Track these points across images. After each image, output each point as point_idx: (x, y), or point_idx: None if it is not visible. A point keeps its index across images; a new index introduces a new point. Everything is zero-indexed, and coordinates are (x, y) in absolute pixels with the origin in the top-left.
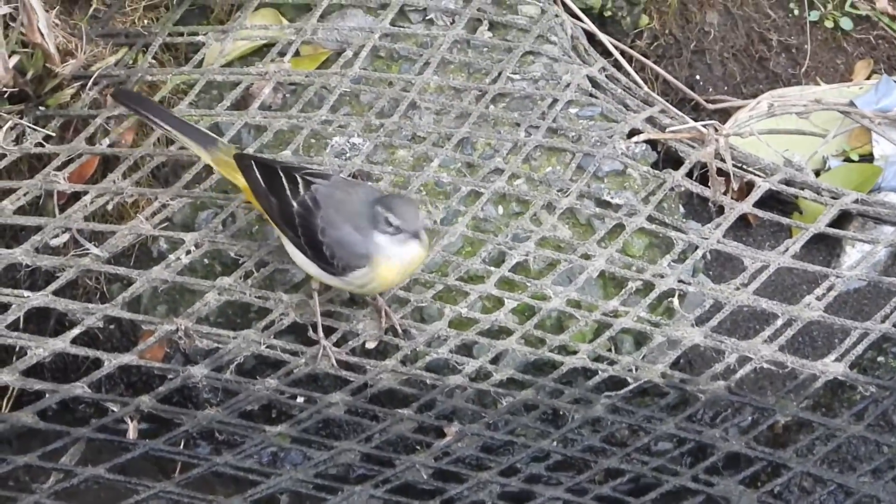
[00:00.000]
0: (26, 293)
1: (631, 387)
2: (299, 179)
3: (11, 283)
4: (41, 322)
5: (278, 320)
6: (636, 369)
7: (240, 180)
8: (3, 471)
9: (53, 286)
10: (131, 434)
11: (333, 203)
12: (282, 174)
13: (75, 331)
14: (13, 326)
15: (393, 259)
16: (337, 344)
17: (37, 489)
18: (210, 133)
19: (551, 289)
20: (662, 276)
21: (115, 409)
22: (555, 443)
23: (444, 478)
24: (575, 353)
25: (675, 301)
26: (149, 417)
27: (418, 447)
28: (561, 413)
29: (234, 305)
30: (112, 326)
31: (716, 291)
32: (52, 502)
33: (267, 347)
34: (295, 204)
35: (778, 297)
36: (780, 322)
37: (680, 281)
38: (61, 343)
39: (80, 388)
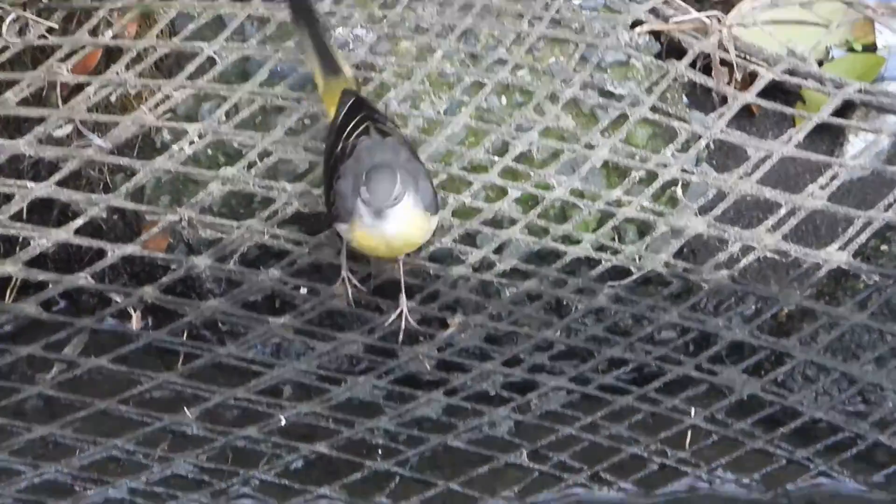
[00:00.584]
0: (30, 184)
1: (634, 276)
2: (367, 128)
3: (15, 173)
4: (44, 213)
5: (282, 210)
6: (639, 259)
7: (331, 112)
8: (6, 362)
9: (57, 177)
10: (135, 325)
11: (360, 157)
12: (358, 118)
13: (78, 221)
14: (16, 217)
15: (368, 228)
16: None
17: (40, 380)
18: (340, 65)
19: (555, 178)
20: (666, 166)
21: (118, 300)
22: (558, 333)
23: (448, 368)
24: (578, 242)
25: (679, 190)
26: (152, 309)
27: (422, 338)
28: (564, 303)
29: (238, 195)
30: (115, 217)
31: (719, 181)
32: (55, 393)
33: (270, 237)
34: (339, 145)
35: (781, 186)
36: (783, 211)
37: (683, 170)
38: (64, 233)
39: (83, 279)
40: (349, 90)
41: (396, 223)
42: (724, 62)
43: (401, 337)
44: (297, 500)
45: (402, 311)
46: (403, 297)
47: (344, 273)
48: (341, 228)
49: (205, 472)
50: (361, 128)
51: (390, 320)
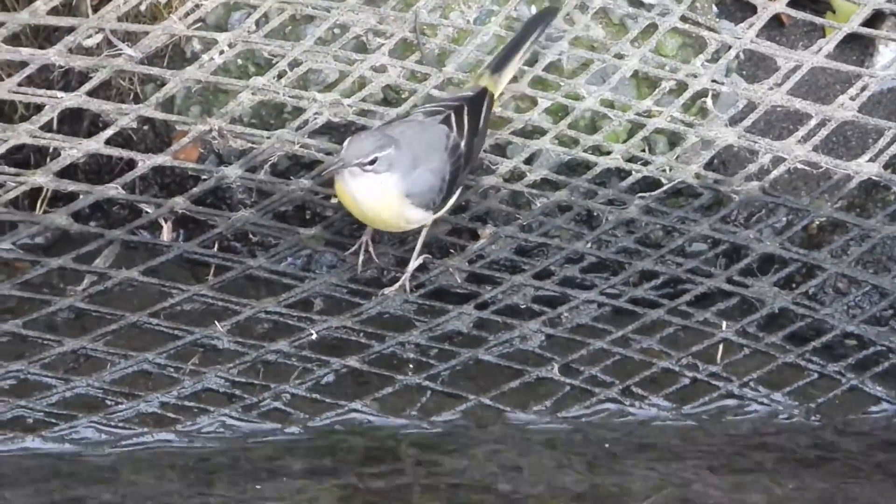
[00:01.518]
0: (59, 94)
1: (665, 187)
2: (446, 115)
3: (45, 83)
4: (74, 123)
5: (312, 119)
6: (670, 170)
7: None
8: (38, 273)
9: (87, 87)
10: (165, 236)
11: (397, 124)
12: (450, 104)
13: (109, 131)
14: (47, 127)
15: (339, 183)
16: None
17: (71, 292)
18: (505, 70)
19: (585, 88)
20: (696, 76)
21: (148, 211)
22: (589, 244)
23: (479, 281)
24: (609, 153)
25: (709, 101)
26: (183, 221)
27: (452, 250)
28: (595, 214)
29: (268, 105)
30: (146, 127)
31: (749, 91)
32: (86, 305)
33: (301, 147)
34: (413, 113)
35: (811, 97)
36: (813, 122)
37: (713, 81)
38: (95, 144)
39: (113, 189)
40: (484, 89)
41: (360, 188)
42: None
43: (395, 286)
44: (328, 413)
45: (407, 273)
46: (413, 263)
47: (364, 237)
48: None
49: (236, 385)
50: (444, 112)
51: (392, 289)
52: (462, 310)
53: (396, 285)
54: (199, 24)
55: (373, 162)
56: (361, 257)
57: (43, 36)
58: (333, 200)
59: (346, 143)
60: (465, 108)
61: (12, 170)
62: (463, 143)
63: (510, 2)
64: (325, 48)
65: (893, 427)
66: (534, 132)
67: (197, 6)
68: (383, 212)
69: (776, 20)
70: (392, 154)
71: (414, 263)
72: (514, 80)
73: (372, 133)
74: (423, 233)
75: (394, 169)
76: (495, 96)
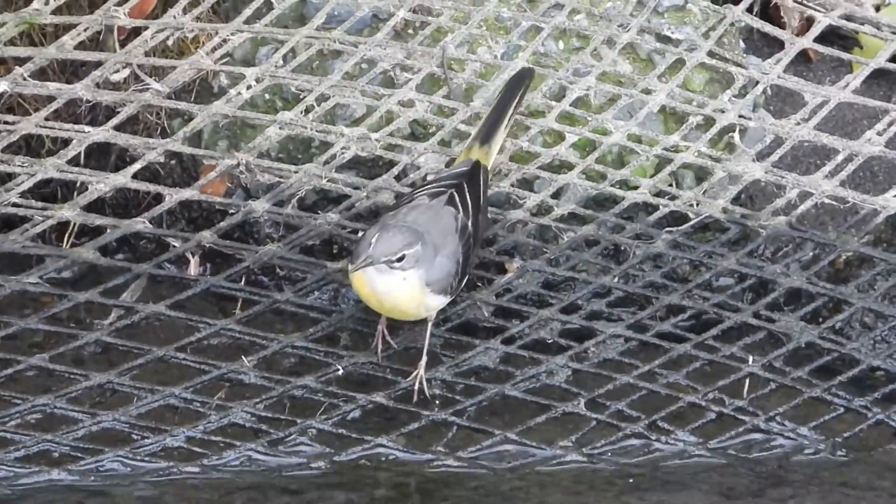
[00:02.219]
0: (87, 128)
1: (692, 222)
2: (440, 192)
3: (72, 118)
4: (102, 158)
5: (339, 154)
6: (697, 204)
7: None
8: (65, 307)
9: (114, 121)
10: (192, 270)
11: (403, 211)
12: (447, 183)
13: (136, 166)
14: (74, 162)
15: (361, 276)
16: (397, 178)
17: (97, 326)
18: (495, 137)
19: (612, 123)
20: (723, 112)
21: (176, 245)
22: (616, 279)
23: (506, 315)
24: (636, 188)
25: (736, 136)
26: (210, 255)
27: (479, 284)
28: (622, 249)
29: (295, 140)
30: (173, 162)
31: (776, 126)
32: (113, 339)
33: (328, 181)
34: (409, 195)
35: (838, 132)
36: (840, 157)
37: (740, 116)
38: (122, 178)
39: (141, 224)
40: (477, 162)
41: (385, 284)
42: (778, 7)
43: (415, 398)
44: (354, 449)
45: (418, 374)
46: (423, 360)
47: (380, 327)
48: (346, 265)
49: (262, 420)
50: (437, 190)
51: (405, 383)
52: (489, 344)
53: (415, 384)
54: (226, 59)
55: (401, 259)
56: (380, 347)
57: (70, 70)
58: (352, 293)
59: (373, 239)
60: (465, 186)
61: (39, 204)
62: (470, 223)
63: (537, 37)
64: (352, 83)
65: None
66: (561, 167)
67: (224, 41)
68: (405, 304)
69: (803, 56)
70: (419, 251)
71: (424, 360)
72: (541, 114)
73: (400, 230)
74: (429, 328)
75: (419, 264)
76: (488, 168)
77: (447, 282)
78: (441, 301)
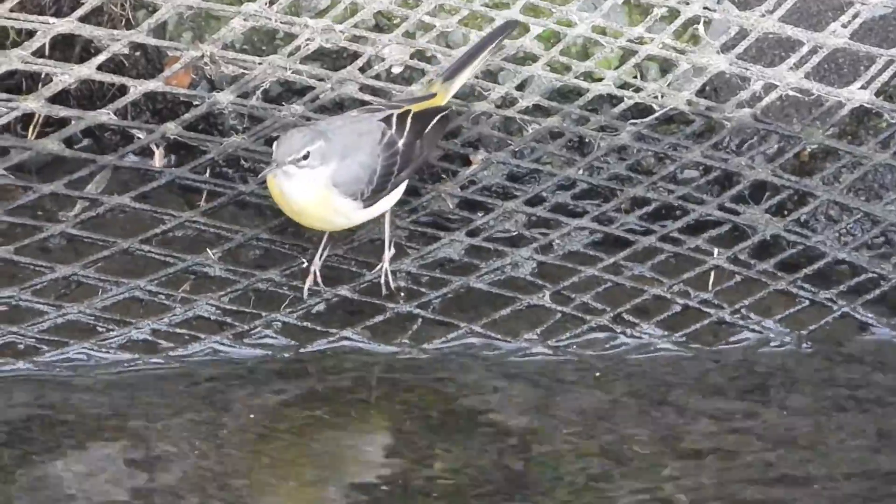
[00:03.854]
0: (52, 19)
1: (657, 114)
2: (378, 111)
3: (37, 9)
4: (66, 49)
5: (304, 45)
6: (662, 96)
7: None
8: (29, 199)
9: (79, 12)
10: (157, 162)
11: (329, 121)
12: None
13: (101, 57)
14: (39, 53)
15: (274, 184)
16: (362, 69)
17: (63, 218)
18: (458, 77)
19: (577, 15)
20: (688, 3)
21: (140, 137)
22: (580, 171)
23: (471, 207)
24: (601, 79)
25: (701, 28)
26: (175, 147)
27: (444, 176)
28: (587, 141)
29: (260, 32)
30: (137, 53)
31: (741, 18)
32: (78, 231)
33: (293, 73)
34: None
35: (803, 24)
36: (805, 49)
37: (705, 7)
38: (87, 69)
39: (105, 115)
40: (433, 94)
41: (295, 185)
42: None
43: (383, 291)
44: (319, 342)
45: (382, 266)
46: (387, 253)
47: (313, 268)
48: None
49: (227, 313)
50: (385, 111)
51: (369, 275)
52: (454, 236)
53: (381, 277)
54: None
55: (306, 157)
56: (308, 284)
57: None
58: None
59: (275, 144)
60: (411, 112)
61: (4, 95)
62: (401, 143)
63: None
64: None
65: (883, 353)
66: (525, 58)
67: None
68: (315, 204)
69: None
70: (323, 147)
71: (387, 253)
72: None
73: (300, 129)
74: (388, 219)
75: (327, 161)
76: (443, 103)
77: (356, 186)
78: (351, 205)
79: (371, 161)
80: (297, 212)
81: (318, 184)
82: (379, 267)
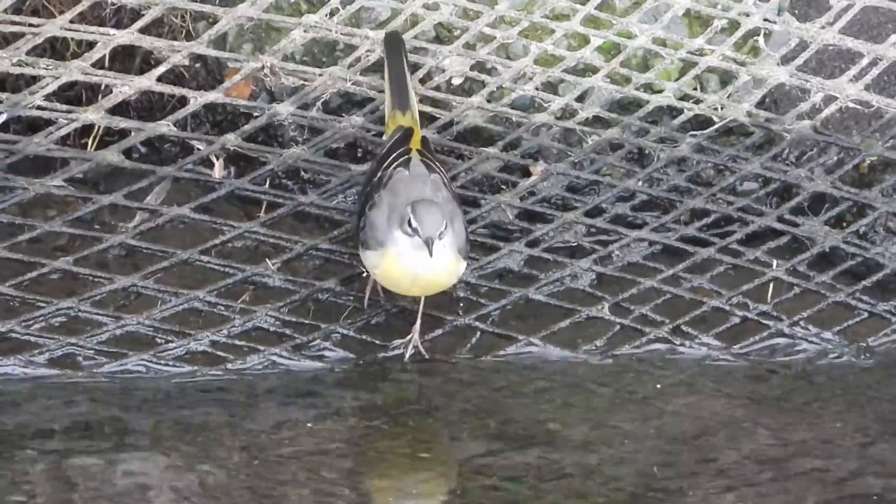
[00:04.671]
0: (112, 31)
1: (716, 126)
2: (407, 160)
3: (97, 20)
4: (126, 61)
5: (364, 57)
6: (721, 108)
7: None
8: (89, 210)
9: (139, 24)
10: (217, 173)
11: (396, 188)
12: (399, 151)
13: (161, 69)
14: (99, 65)
15: (401, 257)
16: (422, 81)
17: (122, 229)
18: (410, 103)
19: (637, 27)
20: (748, 15)
21: (200, 148)
22: (640, 182)
23: (530, 218)
24: (660, 91)
25: (761, 39)
26: (234, 158)
27: (504, 187)
28: (646, 152)
29: (320, 43)
30: (198, 65)
31: (801, 30)
32: (137, 243)
33: (353, 84)
34: (378, 174)
35: (863, 35)
36: (865, 61)
37: (765, 19)
38: (147, 81)
39: (165, 126)
40: (405, 127)
41: (434, 259)
42: None
43: (406, 358)
44: (377, 355)
45: (412, 338)
46: (417, 326)
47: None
48: (367, 256)
49: (286, 325)
50: (402, 159)
51: (397, 343)
52: (513, 247)
53: (409, 347)
54: None
55: (441, 234)
56: (368, 295)
57: None
58: (376, 272)
59: (412, 222)
60: (420, 149)
61: (64, 107)
62: (445, 177)
63: None
64: None
65: None
66: (586, 70)
67: None
68: (443, 275)
69: None
70: (447, 220)
71: (418, 323)
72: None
73: (430, 203)
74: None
75: (449, 230)
76: (420, 130)
77: (466, 246)
78: (463, 266)
79: (460, 213)
80: (421, 285)
81: (450, 256)
82: (409, 338)
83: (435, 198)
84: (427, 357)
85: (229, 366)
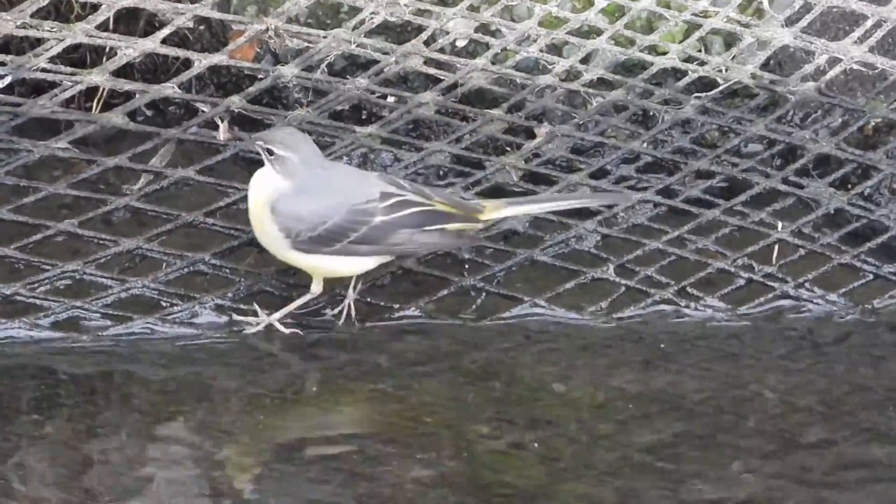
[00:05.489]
0: None
1: (721, 87)
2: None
3: None
4: (131, 23)
5: (368, 19)
6: (726, 70)
7: None
8: (94, 173)
9: None
10: (221, 136)
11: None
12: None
13: (165, 31)
14: (103, 27)
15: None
16: (426, 43)
17: (127, 191)
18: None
19: None
20: None
21: (205, 110)
22: (645, 144)
23: (535, 180)
24: (665, 53)
25: (765, 1)
26: (239, 120)
27: (508, 149)
28: (651, 114)
29: (324, 5)
30: (202, 27)
31: None
32: (142, 205)
33: (357, 46)
34: None
35: None
36: (869, 23)
37: None
38: (151, 43)
39: (170, 89)
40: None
41: (256, 177)
42: None
43: (341, 321)
44: (381, 316)
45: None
46: (350, 291)
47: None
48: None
49: (291, 287)
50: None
51: (334, 312)
52: None
53: (342, 313)
54: None
55: (270, 153)
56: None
57: None
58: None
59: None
60: (433, 206)
61: (68, 69)
62: (380, 218)
63: None
64: None
65: None
66: (590, 32)
67: None
68: (252, 208)
69: None
70: (293, 160)
71: (352, 293)
72: None
73: (294, 129)
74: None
75: (288, 178)
76: (480, 225)
77: (293, 225)
78: (280, 239)
79: (329, 212)
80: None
81: (263, 193)
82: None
83: (331, 176)
84: (356, 322)
85: (235, 328)
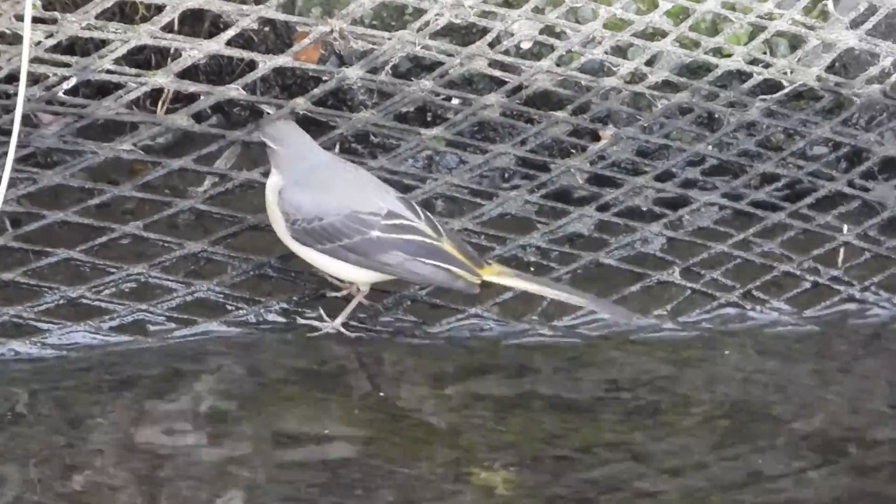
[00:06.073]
0: None
1: (786, 90)
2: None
3: None
4: (195, 24)
5: (433, 21)
6: (791, 72)
7: None
8: (159, 175)
9: None
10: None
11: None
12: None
13: (230, 32)
14: (167, 28)
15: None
16: (491, 45)
17: (192, 194)
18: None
19: None
20: None
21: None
22: (710, 147)
23: (600, 182)
24: (730, 55)
25: (830, 3)
26: (304, 122)
27: (573, 151)
28: (716, 116)
29: (389, 7)
30: (266, 29)
31: None
32: (207, 207)
33: (422, 48)
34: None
35: None
36: None
37: None
38: (215, 45)
39: (234, 90)
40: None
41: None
42: None
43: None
44: (448, 319)
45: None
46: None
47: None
48: None
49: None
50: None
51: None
52: (583, 211)
53: (337, 323)
54: None
55: (264, 144)
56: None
57: None
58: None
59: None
60: (440, 242)
61: (133, 71)
62: (377, 232)
63: None
64: None
65: None
66: (654, 34)
67: None
68: (266, 192)
69: None
70: (279, 153)
71: (348, 308)
72: None
73: (287, 125)
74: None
75: (279, 168)
76: (479, 280)
77: (292, 210)
78: (282, 225)
79: (326, 210)
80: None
81: (273, 178)
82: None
83: (332, 171)
84: (353, 336)
85: (300, 332)
